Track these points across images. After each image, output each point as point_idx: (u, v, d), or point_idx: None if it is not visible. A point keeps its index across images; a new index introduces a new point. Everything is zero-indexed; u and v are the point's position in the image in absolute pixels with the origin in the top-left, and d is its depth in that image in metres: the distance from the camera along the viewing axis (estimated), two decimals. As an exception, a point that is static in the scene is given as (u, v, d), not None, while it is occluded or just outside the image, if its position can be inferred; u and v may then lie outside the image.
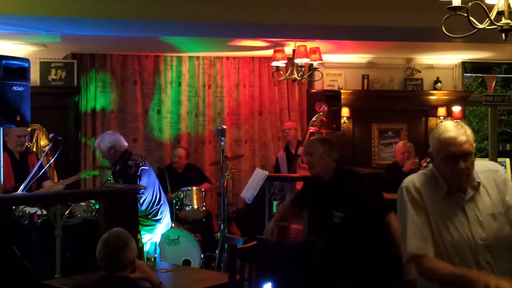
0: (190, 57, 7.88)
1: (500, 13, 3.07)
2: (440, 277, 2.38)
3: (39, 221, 4.83)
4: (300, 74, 6.69)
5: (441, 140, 2.43)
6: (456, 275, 2.32)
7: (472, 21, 3.07)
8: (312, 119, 6.39)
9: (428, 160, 6.28)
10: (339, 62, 8.26)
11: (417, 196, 2.49)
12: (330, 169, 4.07)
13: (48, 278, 3.96)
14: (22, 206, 4.72)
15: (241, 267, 3.68)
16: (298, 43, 6.66)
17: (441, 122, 8.37)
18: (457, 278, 2.31)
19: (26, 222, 4.77)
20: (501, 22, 3.07)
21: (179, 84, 7.88)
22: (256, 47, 7.26)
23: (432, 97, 8.42)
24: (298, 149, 6.27)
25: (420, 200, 2.49)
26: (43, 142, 6.94)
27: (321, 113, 6.40)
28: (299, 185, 5.74)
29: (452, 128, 2.44)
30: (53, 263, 4.11)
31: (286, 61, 6.76)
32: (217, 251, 6.37)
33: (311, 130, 6.39)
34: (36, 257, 4.61)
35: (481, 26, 3.11)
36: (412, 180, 2.55)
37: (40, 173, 5.24)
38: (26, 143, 5.54)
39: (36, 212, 4.77)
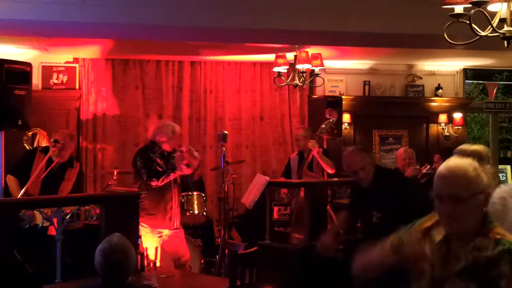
0: (191, 62, 7.89)
1: (502, 21, 3.08)
2: None
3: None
4: (301, 79, 6.67)
5: None
6: None
7: (475, 28, 3.07)
8: (322, 125, 6.23)
9: (428, 166, 6.24)
10: (341, 68, 8.26)
11: None
12: (372, 174, 4.14)
13: (48, 283, 3.96)
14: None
15: (241, 273, 3.68)
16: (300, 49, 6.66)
17: (442, 129, 8.38)
18: None
19: (27, 226, 4.75)
20: (503, 29, 3.07)
21: (180, 89, 7.89)
22: (257, 52, 7.27)
23: (433, 104, 8.42)
24: (309, 155, 6.12)
25: None
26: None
27: (331, 120, 6.32)
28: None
29: None
30: (54, 267, 4.10)
31: (287, 67, 6.75)
32: (217, 257, 6.37)
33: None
34: (36, 261, 4.60)
35: (483, 33, 3.12)
36: None
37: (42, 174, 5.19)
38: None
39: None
